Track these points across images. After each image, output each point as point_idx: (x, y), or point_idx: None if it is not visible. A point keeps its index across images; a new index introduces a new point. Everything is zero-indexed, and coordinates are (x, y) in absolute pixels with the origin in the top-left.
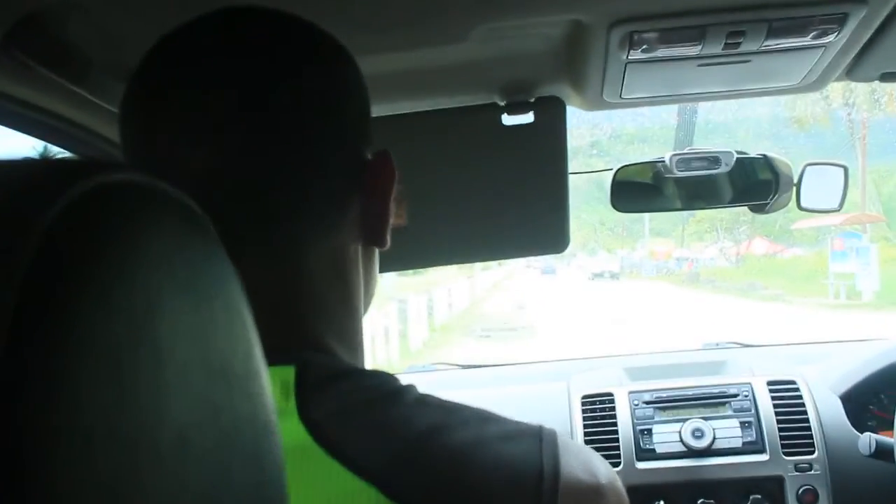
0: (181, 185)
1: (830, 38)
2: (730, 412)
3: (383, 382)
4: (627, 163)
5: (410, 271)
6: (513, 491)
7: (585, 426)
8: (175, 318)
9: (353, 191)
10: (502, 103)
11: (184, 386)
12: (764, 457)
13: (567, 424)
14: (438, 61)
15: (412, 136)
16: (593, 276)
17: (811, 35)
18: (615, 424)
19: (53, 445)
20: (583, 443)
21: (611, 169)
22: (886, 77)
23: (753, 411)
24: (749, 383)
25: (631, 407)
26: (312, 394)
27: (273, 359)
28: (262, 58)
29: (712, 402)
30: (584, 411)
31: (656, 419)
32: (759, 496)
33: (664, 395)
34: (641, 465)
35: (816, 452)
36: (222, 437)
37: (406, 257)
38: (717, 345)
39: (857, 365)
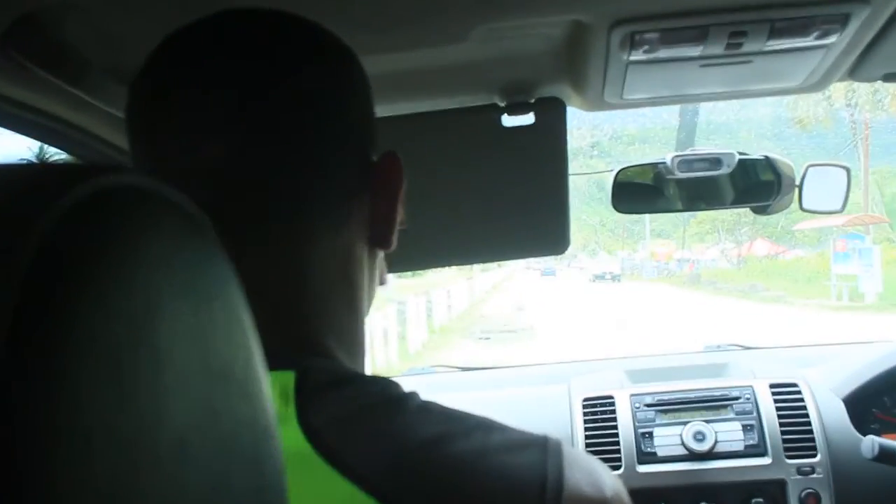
0: (183, 185)
1: (833, 38)
2: (731, 415)
3: (385, 389)
4: (628, 164)
5: (410, 273)
6: (515, 503)
7: (586, 429)
8: (174, 320)
9: (359, 191)
10: (502, 104)
11: (183, 388)
12: (766, 460)
13: (567, 427)
14: (438, 62)
15: (412, 137)
16: (594, 277)
17: (813, 35)
18: (616, 427)
19: (52, 447)
20: (584, 448)
21: (611, 170)
22: (889, 77)
23: (755, 414)
24: (751, 386)
25: (632, 410)
26: (312, 400)
27: (273, 363)
28: (263, 58)
29: (714, 404)
30: (584, 414)
31: (657, 422)
32: (762, 500)
33: (665, 397)
34: (642, 469)
35: (819, 456)
36: (222, 440)
37: (406, 259)
38: (719, 347)
39: (860, 367)
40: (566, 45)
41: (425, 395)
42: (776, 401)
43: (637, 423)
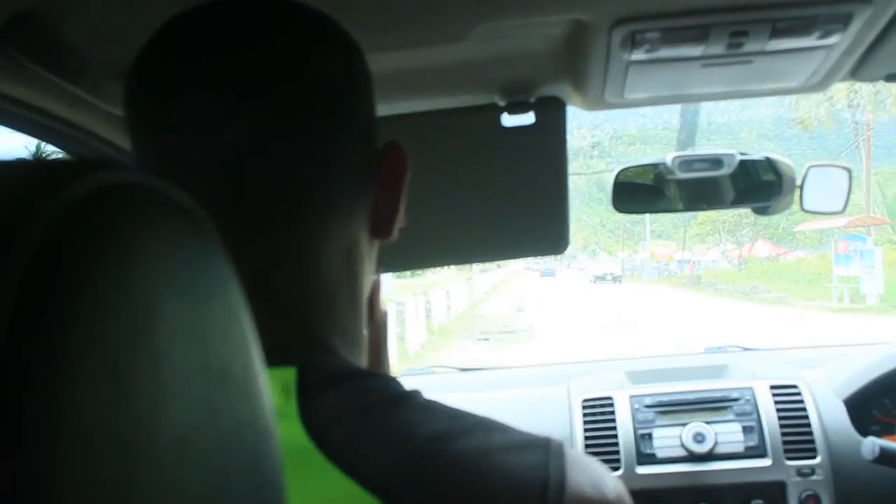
0: (190, 183)
1: (835, 38)
2: (731, 416)
3: (387, 386)
4: (628, 164)
5: (408, 273)
6: (516, 503)
7: (585, 430)
8: (173, 320)
9: (366, 184)
10: (502, 103)
11: (182, 388)
12: (766, 461)
13: (567, 428)
14: (438, 61)
15: (411, 136)
16: (595, 278)
17: (815, 35)
18: (615, 428)
19: (51, 446)
20: (583, 449)
21: (612, 170)
22: (891, 77)
23: (755, 415)
24: (751, 387)
25: (631, 411)
26: (314, 396)
27: (276, 359)
28: (268, 50)
29: (714, 406)
30: (584, 415)
31: (657, 423)
32: (761, 501)
33: (665, 398)
34: (642, 470)
35: (819, 457)
36: (221, 439)
37: (404, 258)
38: (719, 348)
39: (861, 369)
40: (567, 44)
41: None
42: (776, 402)
43: (636, 425)
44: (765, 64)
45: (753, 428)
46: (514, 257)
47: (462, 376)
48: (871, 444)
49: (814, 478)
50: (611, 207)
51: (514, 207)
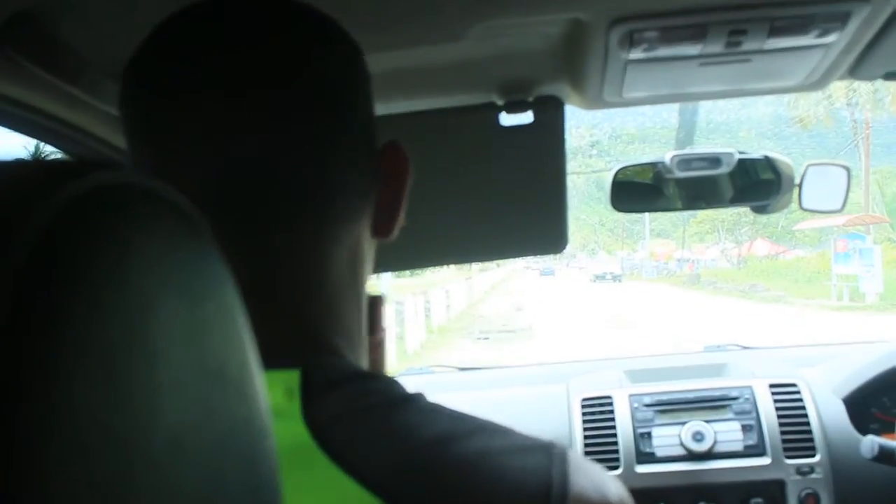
0: (193, 187)
1: (833, 36)
2: (731, 415)
3: (390, 388)
4: (627, 163)
5: (407, 272)
6: None
7: (585, 429)
8: (169, 320)
9: (369, 181)
10: (500, 103)
11: (178, 388)
12: (765, 460)
13: (566, 427)
14: (436, 60)
15: (409, 135)
16: (595, 277)
17: (813, 34)
18: (614, 427)
19: (47, 447)
20: (583, 448)
21: (610, 169)
22: (890, 76)
23: (754, 414)
24: (750, 386)
25: (631, 410)
26: (317, 397)
27: (280, 361)
28: (271, 48)
29: (713, 404)
30: (583, 414)
31: (656, 422)
32: (761, 500)
33: (664, 397)
34: (641, 469)
35: (818, 456)
36: (217, 439)
37: (403, 258)
38: (718, 347)
39: (860, 367)
40: (565, 43)
41: None
42: (775, 401)
43: (636, 423)
44: (763, 62)
45: (753, 426)
46: (513, 257)
47: (461, 375)
48: (871, 443)
49: (813, 476)
50: (610, 206)
51: (513, 207)
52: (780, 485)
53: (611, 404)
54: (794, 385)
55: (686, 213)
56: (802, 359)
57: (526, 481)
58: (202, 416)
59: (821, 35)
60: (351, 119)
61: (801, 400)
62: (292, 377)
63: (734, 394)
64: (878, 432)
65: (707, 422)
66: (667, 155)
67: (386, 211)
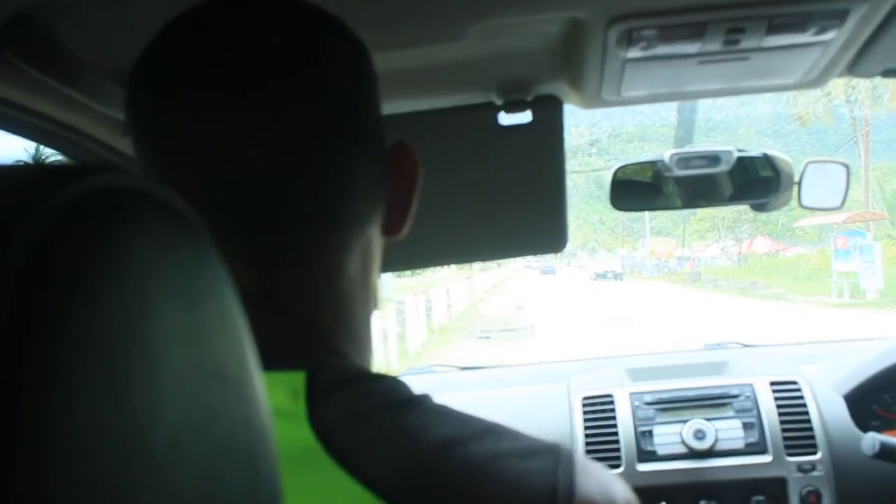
0: (205, 192)
1: (831, 34)
2: (732, 413)
3: (396, 389)
4: (626, 161)
5: (408, 272)
6: None
7: (586, 428)
8: (168, 322)
9: (379, 181)
10: (499, 102)
11: (177, 389)
12: (766, 458)
13: (567, 426)
14: (434, 60)
15: (407, 135)
16: (596, 276)
17: (812, 31)
18: (616, 426)
19: (46, 448)
20: (584, 447)
21: (610, 167)
22: (888, 73)
23: (755, 412)
24: (751, 384)
25: (632, 408)
26: (323, 398)
27: (286, 363)
28: (280, 48)
29: (714, 402)
30: (584, 413)
31: (657, 420)
32: (762, 498)
33: (665, 395)
34: (642, 467)
35: (819, 453)
36: (216, 440)
37: (404, 258)
38: (719, 345)
39: (861, 365)
40: (563, 42)
41: None
42: (776, 398)
43: (637, 422)
44: (761, 60)
45: (754, 424)
46: (514, 256)
47: (462, 375)
48: (872, 440)
49: (814, 473)
50: (609, 205)
51: (513, 206)
52: (781, 482)
53: (612, 403)
54: (794, 383)
55: (686, 211)
56: (803, 356)
57: (532, 485)
58: (201, 416)
59: (819, 32)
60: (359, 120)
61: (801, 397)
62: (297, 378)
63: (735, 392)
64: (879, 429)
65: (708, 420)
66: (666, 153)
67: (396, 211)
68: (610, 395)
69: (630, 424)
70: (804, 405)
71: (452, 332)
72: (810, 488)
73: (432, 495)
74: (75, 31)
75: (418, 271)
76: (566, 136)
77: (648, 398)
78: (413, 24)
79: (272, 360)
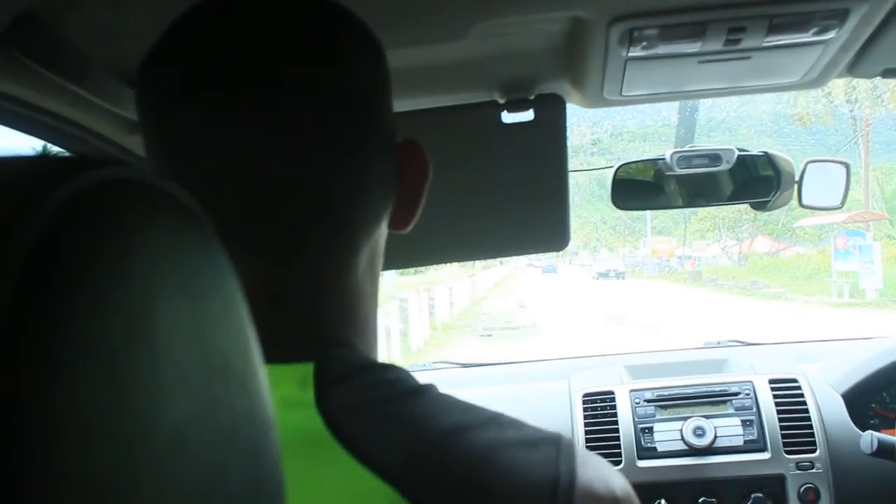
0: (209, 186)
1: (832, 34)
2: (731, 410)
3: (403, 378)
4: (628, 160)
5: (411, 270)
6: (528, 498)
7: (586, 424)
8: (172, 316)
9: (391, 178)
10: (502, 101)
11: (181, 383)
12: (765, 455)
13: (568, 422)
14: (437, 59)
15: (411, 134)
16: (598, 275)
17: (812, 31)
18: (616, 423)
19: (51, 444)
20: (584, 443)
21: (611, 167)
22: (889, 73)
23: (755, 409)
24: (751, 381)
25: (632, 405)
26: (331, 386)
27: (295, 354)
28: (296, 45)
29: (714, 400)
30: (584, 409)
31: (657, 417)
32: (761, 495)
33: (665, 393)
34: (642, 464)
35: (818, 451)
36: (220, 433)
37: (406, 255)
38: (719, 343)
39: (860, 363)
40: (565, 41)
41: None
42: (776, 396)
43: (637, 419)
44: (762, 60)
45: (753, 422)
46: (516, 254)
47: (464, 372)
48: (870, 438)
49: (813, 471)
50: (611, 204)
51: (515, 205)
52: (780, 479)
53: (612, 400)
54: (794, 380)
55: (687, 211)
56: (802, 354)
57: (534, 474)
58: (205, 410)
59: (819, 32)
60: (374, 119)
61: (801, 395)
62: (306, 369)
63: (734, 389)
64: (877, 427)
65: (708, 417)
66: (667, 152)
67: (405, 206)
68: (611, 392)
69: (630, 421)
70: (803, 403)
71: (455, 330)
72: (809, 485)
73: (437, 482)
74: (82, 28)
75: (421, 269)
76: (568, 134)
77: (649, 395)
78: (416, 23)
79: (282, 354)
